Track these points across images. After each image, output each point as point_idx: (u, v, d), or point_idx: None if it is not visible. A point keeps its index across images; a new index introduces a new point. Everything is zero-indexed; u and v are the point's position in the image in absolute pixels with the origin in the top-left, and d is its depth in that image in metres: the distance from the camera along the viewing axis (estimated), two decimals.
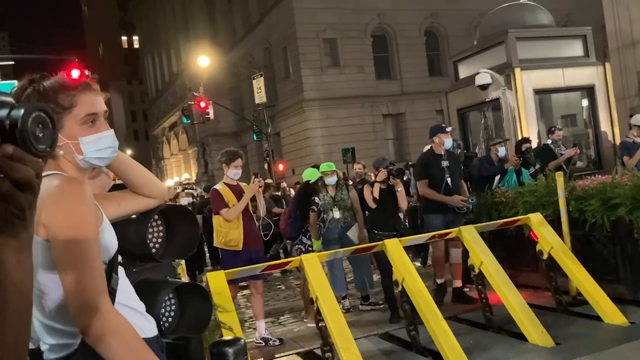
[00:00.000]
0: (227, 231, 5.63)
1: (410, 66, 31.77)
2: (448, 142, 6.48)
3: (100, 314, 1.40)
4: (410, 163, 10.30)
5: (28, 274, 0.82)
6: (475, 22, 24.15)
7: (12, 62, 16.48)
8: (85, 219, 1.45)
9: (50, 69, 1.71)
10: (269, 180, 13.93)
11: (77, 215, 1.44)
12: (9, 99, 0.73)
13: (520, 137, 8.80)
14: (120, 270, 1.62)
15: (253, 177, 5.70)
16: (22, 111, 0.70)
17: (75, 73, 15.31)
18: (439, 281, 6.52)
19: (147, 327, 1.64)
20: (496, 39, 10.04)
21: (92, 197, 1.52)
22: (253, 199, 5.91)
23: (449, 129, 6.67)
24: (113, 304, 1.51)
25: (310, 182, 6.72)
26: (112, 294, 1.51)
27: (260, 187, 5.70)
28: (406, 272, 4.95)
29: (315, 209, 6.52)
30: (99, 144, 1.62)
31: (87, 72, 15.74)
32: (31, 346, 1.66)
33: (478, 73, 9.51)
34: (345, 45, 30.03)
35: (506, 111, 9.41)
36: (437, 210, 6.42)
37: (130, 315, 1.57)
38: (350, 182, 8.38)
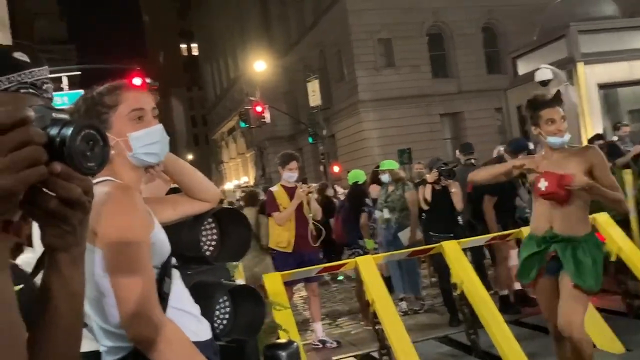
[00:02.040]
0: (279, 233, 5.70)
1: (467, 64, 31.12)
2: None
3: (150, 322, 1.41)
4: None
5: (79, 288, 0.84)
6: (534, 16, 23.45)
7: (79, 73, 17.19)
8: (135, 226, 1.47)
9: (114, 78, 1.76)
10: (313, 185, 13.82)
11: (127, 223, 1.46)
12: (63, 116, 0.74)
13: (584, 135, 8.45)
14: (175, 274, 1.64)
15: (300, 183, 5.69)
16: (71, 129, 0.70)
17: (137, 81, 15.83)
18: (501, 293, 6.26)
19: (201, 330, 1.66)
20: (557, 33, 9.69)
21: (142, 203, 1.54)
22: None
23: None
24: (166, 307, 1.53)
25: (358, 183, 6.68)
26: (165, 298, 1.53)
27: (308, 192, 5.68)
28: (465, 274, 4.83)
29: (366, 210, 6.47)
30: (147, 139, 1.64)
31: (148, 80, 16.25)
32: (93, 348, 1.71)
33: (538, 69, 9.20)
34: (400, 45, 29.74)
35: (568, 108, 9.06)
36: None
37: (184, 318, 1.58)
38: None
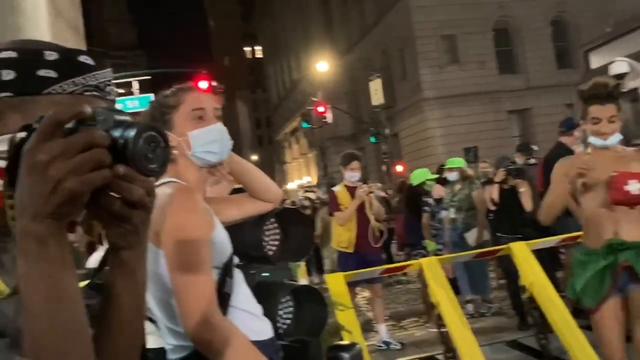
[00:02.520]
0: (340, 232, 5.70)
1: (536, 59, 30.10)
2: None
3: (208, 323, 1.43)
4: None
5: (141, 285, 0.86)
6: (607, 7, 22.43)
7: (149, 77, 17.85)
8: (195, 227, 1.49)
9: (181, 82, 1.81)
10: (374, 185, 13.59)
11: (187, 224, 1.49)
12: (125, 118, 0.75)
13: None
14: (238, 274, 1.65)
15: (361, 183, 5.64)
16: (133, 131, 0.71)
17: (203, 84, 16.27)
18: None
19: (262, 329, 1.66)
20: (633, 24, 9.19)
21: (203, 204, 1.56)
22: None
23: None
24: (227, 307, 1.54)
25: (414, 184, 6.57)
26: (227, 298, 1.54)
27: (369, 193, 5.62)
28: (534, 277, 4.65)
29: (428, 209, 6.35)
30: (207, 137, 1.65)
31: (214, 83, 16.68)
32: (160, 344, 1.75)
33: (613, 62, 8.75)
34: (465, 41, 29.14)
35: None
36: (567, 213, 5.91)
37: (245, 318, 1.59)
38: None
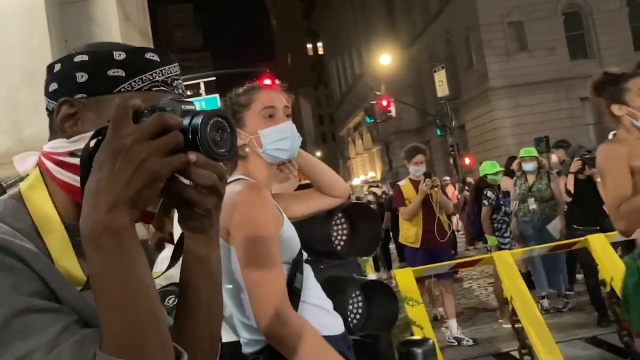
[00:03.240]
0: (407, 227, 5.67)
1: (610, 42, 28.65)
2: None
3: (280, 318, 1.44)
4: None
5: (216, 267, 0.88)
6: None
7: (214, 78, 18.32)
8: (264, 223, 1.51)
9: (246, 81, 1.84)
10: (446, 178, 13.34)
11: (256, 220, 1.50)
12: (192, 107, 0.77)
13: None
14: (307, 269, 1.66)
15: (424, 177, 5.53)
16: (201, 118, 0.72)
17: (266, 82, 16.54)
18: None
19: (334, 324, 1.66)
20: None
21: (272, 201, 1.57)
22: None
23: None
24: (298, 303, 1.55)
25: (487, 176, 6.37)
26: (297, 293, 1.55)
27: (433, 187, 5.51)
28: (615, 270, 4.42)
29: (487, 203, 6.16)
30: (277, 135, 1.68)
31: (277, 81, 16.92)
32: (233, 339, 1.78)
33: None
34: (533, 27, 28.11)
35: None
36: None
37: (316, 313, 1.60)
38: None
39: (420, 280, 5.01)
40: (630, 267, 2.36)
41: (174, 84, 0.91)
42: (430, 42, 34.81)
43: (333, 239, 2.11)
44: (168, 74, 0.90)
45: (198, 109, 0.76)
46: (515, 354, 4.69)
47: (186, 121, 0.72)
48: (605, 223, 5.67)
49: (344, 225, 2.16)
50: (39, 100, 0.96)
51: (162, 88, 0.88)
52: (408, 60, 36.74)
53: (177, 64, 0.93)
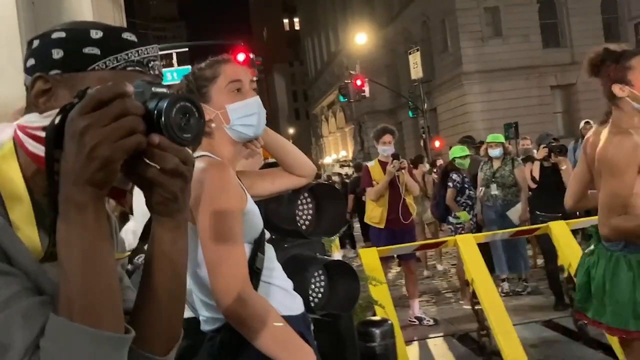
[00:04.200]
0: (372, 207, 5.72)
1: (582, 32, 29.02)
2: None
3: (240, 297, 1.44)
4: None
5: (182, 253, 0.89)
6: None
7: (187, 49, 17.99)
8: (227, 202, 1.50)
9: (219, 54, 1.81)
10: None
11: (220, 199, 1.50)
12: (162, 90, 0.78)
13: None
14: (269, 249, 1.66)
15: (392, 159, 5.57)
16: (166, 101, 0.73)
17: (240, 56, 16.27)
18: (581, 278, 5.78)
19: (293, 304, 1.67)
20: None
21: (236, 180, 1.57)
22: None
23: None
24: (258, 283, 1.56)
25: (455, 159, 6.47)
26: (258, 273, 1.56)
27: (401, 168, 5.56)
28: (574, 256, 4.55)
29: (452, 185, 6.28)
30: (244, 111, 1.66)
31: (252, 56, 16.66)
32: (192, 315, 1.79)
33: None
34: (509, 13, 28.29)
35: None
36: None
37: (276, 293, 1.61)
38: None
39: (384, 260, 5.07)
40: (603, 255, 2.29)
41: (150, 65, 0.92)
42: (407, 24, 34.75)
43: (298, 218, 2.12)
44: (145, 54, 0.91)
45: (170, 80, 0.76)
46: (474, 335, 4.81)
47: (152, 104, 0.73)
48: (567, 210, 5.82)
49: (310, 205, 2.17)
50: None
51: (137, 68, 0.90)
52: (384, 40, 36.64)
53: (155, 45, 0.94)
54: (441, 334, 5.36)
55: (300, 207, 2.13)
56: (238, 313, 1.45)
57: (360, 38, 29.82)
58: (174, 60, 16.00)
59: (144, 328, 0.85)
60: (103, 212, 0.75)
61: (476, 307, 4.50)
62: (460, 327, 5.45)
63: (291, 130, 71.55)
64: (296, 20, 77.88)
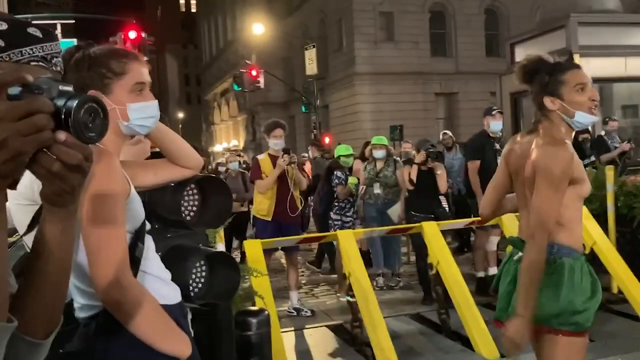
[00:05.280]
0: (260, 200, 5.79)
1: (467, 45, 30.96)
2: (495, 125, 6.25)
3: (119, 284, 1.46)
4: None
5: (70, 243, 0.93)
6: (538, 3, 23.31)
7: (73, 21, 16.92)
8: (111, 191, 1.51)
9: (109, 29, 1.79)
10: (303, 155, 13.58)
11: (103, 188, 1.50)
12: (69, 89, 0.82)
13: None
14: (148, 239, 1.68)
15: (282, 153, 5.70)
16: (76, 102, 0.78)
17: (132, 34, 15.59)
18: (478, 275, 6.31)
19: (170, 294, 1.71)
20: (557, 22, 9.67)
21: (120, 170, 1.58)
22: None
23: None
24: (137, 272, 1.58)
25: (340, 157, 6.74)
26: (137, 262, 1.58)
27: (291, 163, 5.69)
28: (441, 255, 4.93)
29: (338, 181, 6.57)
30: (145, 112, 1.70)
31: (143, 34, 16.01)
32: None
33: None
34: (402, 19, 29.47)
35: None
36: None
37: (153, 282, 1.64)
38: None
39: (267, 252, 5.17)
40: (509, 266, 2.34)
41: (53, 61, 0.95)
42: (305, 19, 35.06)
43: (183, 209, 2.14)
44: (49, 50, 0.94)
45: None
46: (348, 326, 5.04)
47: (61, 102, 0.78)
48: (439, 212, 6.26)
49: (196, 197, 2.19)
50: None
51: (40, 63, 0.92)
52: (282, 33, 36.71)
53: (58, 41, 0.97)
54: (316, 325, 5.55)
55: (186, 198, 2.15)
56: (116, 298, 1.47)
57: (258, 28, 29.67)
58: (58, 32, 15.00)
59: (26, 312, 0.87)
60: (3, 203, 0.77)
61: (351, 300, 4.72)
62: (335, 319, 5.68)
63: (181, 115, 69.57)
64: (193, 2, 75.71)
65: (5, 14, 0.95)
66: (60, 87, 0.81)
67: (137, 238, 1.60)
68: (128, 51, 1.76)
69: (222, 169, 11.30)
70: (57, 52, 0.96)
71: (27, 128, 0.73)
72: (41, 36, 0.93)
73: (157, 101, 1.75)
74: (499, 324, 2.36)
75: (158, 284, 1.66)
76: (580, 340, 2.22)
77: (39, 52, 0.92)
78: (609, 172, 5.67)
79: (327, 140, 26.81)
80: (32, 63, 0.91)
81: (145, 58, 1.81)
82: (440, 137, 9.07)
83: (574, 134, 2.31)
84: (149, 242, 1.68)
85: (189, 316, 1.84)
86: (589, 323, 2.23)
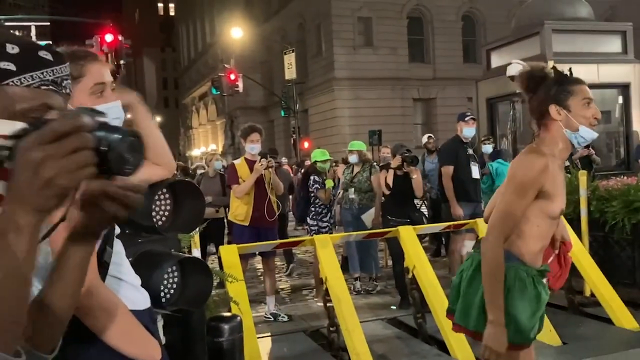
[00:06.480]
0: (237, 205, 5.75)
1: (444, 51, 31.30)
2: (468, 132, 6.33)
3: (88, 289, 1.44)
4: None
5: (85, 270, 0.99)
6: (514, 10, 23.71)
7: (49, 23, 16.67)
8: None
9: (85, 32, 1.77)
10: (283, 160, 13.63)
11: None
12: (106, 120, 0.84)
13: None
14: (117, 244, 1.66)
15: (260, 157, 5.68)
16: (117, 136, 0.80)
17: (109, 37, 15.41)
18: (454, 279, 6.32)
19: (139, 299, 1.69)
20: (532, 29, 9.82)
21: None
22: None
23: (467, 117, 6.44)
24: (105, 276, 1.56)
25: (317, 162, 6.74)
26: (105, 266, 1.55)
27: (269, 167, 5.68)
28: (418, 260, 4.95)
29: (318, 186, 6.58)
30: (111, 114, 1.64)
31: (120, 37, 15.83)
32: None
33: (510, 63, 9.31)
34: (380, 25, 29.69)
35: None
36: (460, 199, 6.27)
37: (122, 287, 1.61)
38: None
39: (244, 257, 5.14)
40: (476, 258, 2.33)
41: (63, 84, 0.96)
42: (284, 23, 35.09)
43: (154, 214, 2.11)
44: (59, 74, 0.95)
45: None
46: (325, 331, 5.03)
47: (102, 134, 0.80)
48: (415, 216, 6.30)
49: (168, 202, 2.17)
50: None
51: (51, 87, 0.93)
52: (261, 37, 36.70)
53: (68, 64, 0.99)
54: (293, 330, 5.53)
55: (158, 203, 2.12)
56: (84, 303, 1.44)
57: (236, 32, 29.61)
58: (33, 34, 14.80)
59: (39, 330, 0.92)
60: (36, 238, 0.78)
61: (328, 305, 4.70)
62: (312, 324, 5.66)
63: (159, 119, 68.96)
64: (171, 5, 75.29)
65: (16, 36, 0.95)
66: (98, 119, 0.82)
67: (105, 242, 1.57)
68: (86, 52, 1.72)
69: (200, 171, 11.22)
70: (66, 75, 0.97)
71: (72, 164, 0.75)
72: (52, 59, 0.94)
73: (119, 101, 1.71)
74: (450, 317, 2.47)
75: (127, 289, 1.64)
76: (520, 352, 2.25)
77: (49, 75, 0.93)
78: (582, 177, 5.76)
79: (306, 144, 26.88)
80: (43, 87, 0.92)
81: (123, 61, 1.79)
82: (425, 139, 9.17)
83: (569, 152, 2.26)
84: (118, 246, 1.66)
85: (160, 322, 1.82)
86: (533, 336, 2.25)
